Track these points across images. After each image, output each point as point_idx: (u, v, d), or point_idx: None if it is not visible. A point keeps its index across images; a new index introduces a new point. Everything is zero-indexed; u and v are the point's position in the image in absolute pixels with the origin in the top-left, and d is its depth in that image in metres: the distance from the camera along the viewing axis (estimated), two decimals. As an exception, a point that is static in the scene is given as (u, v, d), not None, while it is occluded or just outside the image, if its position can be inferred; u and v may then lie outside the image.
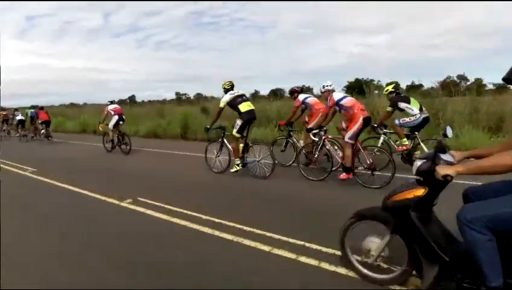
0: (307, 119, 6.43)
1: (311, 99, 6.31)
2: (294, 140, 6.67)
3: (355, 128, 4.90)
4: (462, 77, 29.31)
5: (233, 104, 5.61)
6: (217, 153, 6.10)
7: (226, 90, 5.83)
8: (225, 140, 5.96)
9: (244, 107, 5.55)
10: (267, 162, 5.60)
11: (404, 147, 5.57)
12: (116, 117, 8.77)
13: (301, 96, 6.36)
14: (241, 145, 5.72)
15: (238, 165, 5.73)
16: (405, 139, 5.57)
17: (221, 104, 5.71)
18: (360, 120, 4.89)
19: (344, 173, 5.07)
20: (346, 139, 4.98)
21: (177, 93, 59.95)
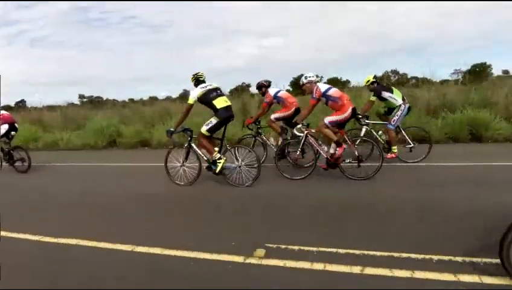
0: (276, 115, 5.87)
1: (283, 93, 5.88)
2: (264, 138, 6.04)
3: (341, 117, 4.70)
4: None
5: (205, 99, 4.60)
6: (183, 161, 4.98)
7: (196, 83, 4.77)
8: (193, 145, 4.88)
9: (220, 102, 4.59)
10: (250, 167, 4.77)
11: (394, 156, 5.40)
12: (6, 126, 6.63)
13: (272, 91, 5.82)
14: (216, 148, 4.75)
15: (220, 160, 4.66)
16: (395, 147, 5.42)
17: (191, 100, 4.62)
18: (349, 110, 4.69)
19: (337, 149, 4.75)
20: (325, 120, 4.73)
21: (81, 96, 51.97)
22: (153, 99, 18.83)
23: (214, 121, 4.57)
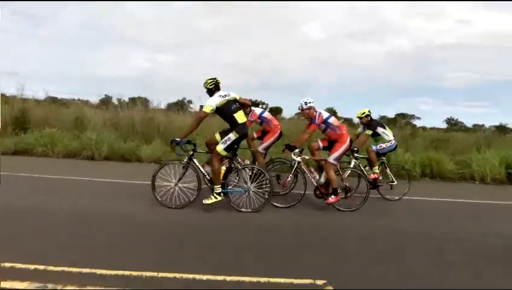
0: (255, 135, 5.81)
1: (268, 114, 5.80)
2: (240, 160, 5.78)
3: (342, 149, 4.85)
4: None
5: (226, 110, 4.14)
6: (178, 179, 4.23)
7: (211, 91, 4.24)
8: (195, 160, 4.25)
9: (241, 117, 4.22)
10: (261, 190, 4.46)
11: (376, 176, 5.54)
12: None
13: (257, 110, 5.70)
14: (223, 167, 4.28)
15: (218, 194, 4.18)
16: (376, 167, 5.58)
17: (208, 109, 4.06)
18: (348, 142, 4.92)
19: (332, 196, 4.80)
20: (331, 160, 4.83)
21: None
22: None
23: (232, 137, 4.13)
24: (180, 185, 4.27)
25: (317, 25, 53.41)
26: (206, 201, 4.17)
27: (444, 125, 27.18)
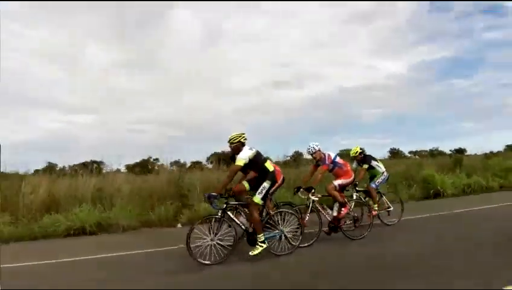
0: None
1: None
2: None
3: (348, 181, 5.50)
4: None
5: (258, 161, 4.33)
6: (214, 235, 4.18)
7: (241, 145, 4.42)
8: (229, 213, 4.27)
9: (270, 166, 4.44)
10: (294, 234, 4.58)
11: (375, 213, 5.90)
12: None
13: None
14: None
15: (263, 242, 4.17)
16: (376, 205, 6.09)
17: (241, 162, 4.19)
18: (353, 176, 5.56)
19: (343, 209, 5.30)
20: (335, 183, 5.40)
21: None
22: None
23: (267, 186, 4.28)
24: (216, 240, 4.20)
25: (242, 76, 57.91)
26: (253, 252, 4.15)
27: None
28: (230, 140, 4.43)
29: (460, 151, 18.50)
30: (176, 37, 53.51)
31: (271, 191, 5.69)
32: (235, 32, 54.92)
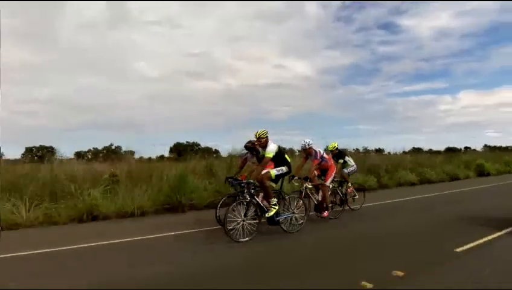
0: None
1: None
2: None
3: (333, 175, 6.71)
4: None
5: (281, 153, 5.20)
6: (244, 216, 4.88)
7: (267, 139, 5.20)
8: (255, 197, 5.05)
9: (288, 157, 5.35)
10: (301, 215, 5.53)
11: (351, 189, 7.56)
12: None
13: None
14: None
15: (275, 204, 5.12)
16: (350, 183, 7.63)
17: (271, 154, 5.01)
18: (335, 169, 6.80)
19: (326, 212, 6.46)
20: (328, 183, 6.59)
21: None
22: None
23: (284, 169, 5.20)
24: (246, 221, 4.92)
25: (149, 63, 56.65)
26: (269, 214, 5.06)
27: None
28: (259, 135, 5.17)
29: (379, 150, 21.22)
30: (76, 11, 46.62)
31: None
32: (145, 15, 51.14)
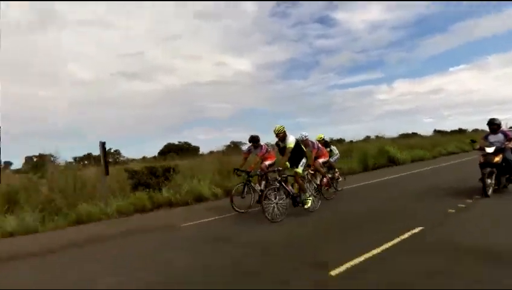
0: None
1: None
2: (252, 185, 7.20)
3: (326, 159, 7.86)
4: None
5: (297, 144, 6.07)
6: (275, 199, 5.72)
7: (285, 133, 6.03)
8: (282, 183, 5.91)
9: (303, 148, 6.30)
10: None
11: (338, 174, 8.65)
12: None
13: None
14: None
15: (309, 196, 6.05)
16: (337, 169, 8.80)
17: (292, 144, 5.87)
18: (328, 156, 8.00)
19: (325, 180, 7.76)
20: (320, 161, 7.64)
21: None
22: None
23: (304, 161, 6.15)
24: (279, 202, 5.76)
25: (81, 64, 51.23)
26: (307, 205, 6.01)
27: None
28: (278, 131, 6.04)
29: (340, 140, 23.00)
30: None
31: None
32: (71, 16, 46.06)
